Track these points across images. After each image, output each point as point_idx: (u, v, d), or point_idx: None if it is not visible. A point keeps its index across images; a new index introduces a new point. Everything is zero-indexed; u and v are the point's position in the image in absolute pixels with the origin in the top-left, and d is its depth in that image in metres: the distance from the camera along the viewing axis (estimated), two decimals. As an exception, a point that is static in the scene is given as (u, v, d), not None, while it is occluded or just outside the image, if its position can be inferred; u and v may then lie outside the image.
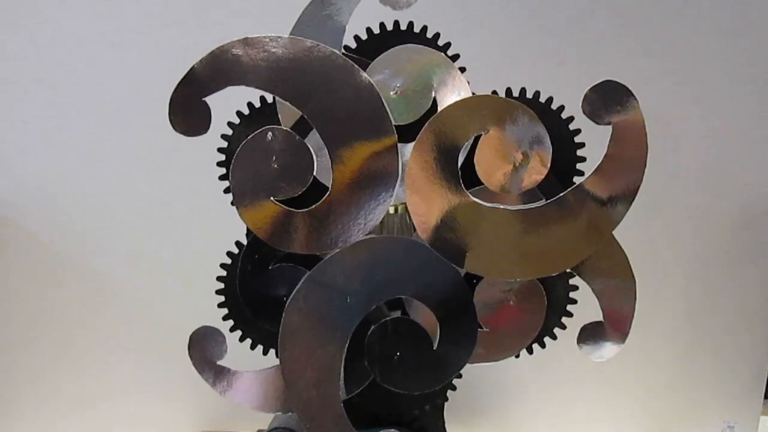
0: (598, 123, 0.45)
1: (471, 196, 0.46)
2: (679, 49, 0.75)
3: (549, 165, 0.47)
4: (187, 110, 0.44)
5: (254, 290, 0.53)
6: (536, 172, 0.46)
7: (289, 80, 0.43)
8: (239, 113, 0.54)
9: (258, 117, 0.54)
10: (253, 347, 0.57)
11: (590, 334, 0.52)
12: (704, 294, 0.80)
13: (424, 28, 0.55)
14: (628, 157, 0.45)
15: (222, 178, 0.56)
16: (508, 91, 0.53)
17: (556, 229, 0.46)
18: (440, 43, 0.55)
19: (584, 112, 0.45)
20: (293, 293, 0.46)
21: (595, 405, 0.81)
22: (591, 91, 0.44)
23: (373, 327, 0.48)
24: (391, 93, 0.51)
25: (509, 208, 0.46)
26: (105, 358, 0.83)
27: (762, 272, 0.78)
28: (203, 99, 0.43)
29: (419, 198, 0.45)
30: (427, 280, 0.44)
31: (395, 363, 0.48)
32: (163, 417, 0.84)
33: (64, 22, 0.77)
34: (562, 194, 0.46)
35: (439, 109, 0.47)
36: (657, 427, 0.82)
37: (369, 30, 0.54)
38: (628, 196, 0.46)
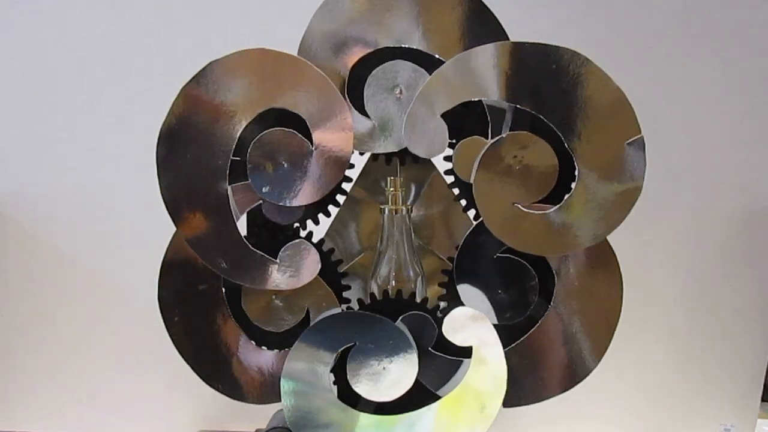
0: None
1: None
2: (676, 50, 0.76)
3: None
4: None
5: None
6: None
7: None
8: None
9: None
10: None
11: None
12: (701, 298, 0.80)
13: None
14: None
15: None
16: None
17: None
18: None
19: None
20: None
21: (592, 407, 0.81)
22: None
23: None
24: (397, 93, 0.52)
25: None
26: (104, 357, 0.83)
27: (759, 276, 0.79)
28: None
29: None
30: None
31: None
32: (163, 416, 0.84)
33: (64, 22, 0.77)
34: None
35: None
36: (655, 429, 0.82)
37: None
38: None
